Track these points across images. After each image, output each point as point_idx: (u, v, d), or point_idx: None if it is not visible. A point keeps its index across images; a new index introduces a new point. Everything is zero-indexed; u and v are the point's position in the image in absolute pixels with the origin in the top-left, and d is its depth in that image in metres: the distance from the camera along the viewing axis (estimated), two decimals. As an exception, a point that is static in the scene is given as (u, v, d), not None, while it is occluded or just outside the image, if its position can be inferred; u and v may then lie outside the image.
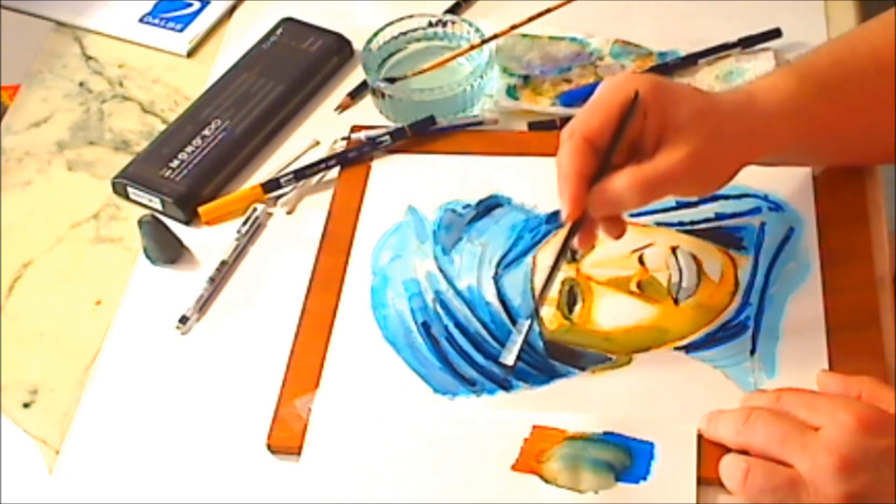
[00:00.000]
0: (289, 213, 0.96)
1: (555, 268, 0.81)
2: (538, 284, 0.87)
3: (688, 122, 0.78)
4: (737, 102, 0.81)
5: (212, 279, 0.90)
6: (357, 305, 0.87)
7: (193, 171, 0.97)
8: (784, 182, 0.91)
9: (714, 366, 0.81)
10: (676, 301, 0.85)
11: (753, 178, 0.90)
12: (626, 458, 0.77)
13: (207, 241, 0.94)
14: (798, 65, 0.84)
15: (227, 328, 0.88)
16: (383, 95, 1.00)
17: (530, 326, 0.80)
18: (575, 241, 0.80)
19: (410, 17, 1.04)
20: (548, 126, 0.98)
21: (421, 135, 0.98)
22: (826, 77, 0.83)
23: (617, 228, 0.81)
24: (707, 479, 0.75)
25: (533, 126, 0.98)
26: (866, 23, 0.89)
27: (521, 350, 0.79)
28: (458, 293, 0.87)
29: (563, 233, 0.81)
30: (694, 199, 0.90)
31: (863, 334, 0.82)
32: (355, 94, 1.04)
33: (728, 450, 0.75)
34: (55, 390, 0.86)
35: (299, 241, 0.93)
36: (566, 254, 0.81)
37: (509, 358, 0.79)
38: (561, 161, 0.79)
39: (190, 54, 1.11)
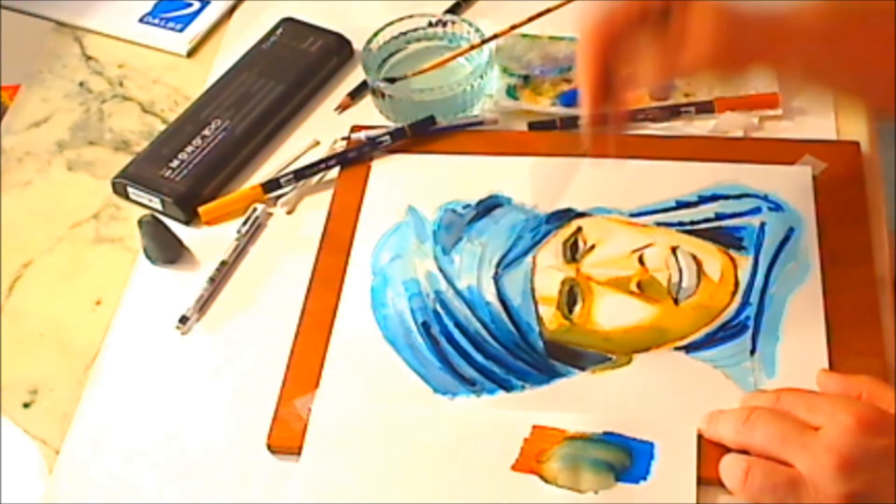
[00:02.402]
0: (289, 213, 0.96)
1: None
2: (538, 284, 0.87)
3: (711, 9, 0.76)
4: (765, 8, 0.79)
5: (212, 279, 0.90)
6: (357, 305, 0.87)
7: (193, 171, 0.97)
8: (784, 182, 0.91)
9: (714, 366, 0.81)
10: (676, 301, 0.85)
11: (753, 178, 0.90)
12: (626, 458, 0.77)
13: (207, 241, 0.94)
14: None
15: (227, 328, 0.88)
16: (383, 95, 1.00)
17: None
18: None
19: (410, 17, 1.04)
20: (548, 126, 0.98)
21: (421, 135, 0.98)
22: (859, 14, 0.80)
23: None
24: (707, 479, 0.75)
25: (533, 126, 0.98)
26: None
27: None
28: (458, 293, 0.87)
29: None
30: (694, 198, 0.90)
31: (863, 334, 0.82)
32: (355, 94, 1.04)
33: (728, 450, 0.75)
34: (55, 390, 0.86)
35: (299, 241, 0.93)
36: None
37: None
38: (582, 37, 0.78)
39: (190, 54, 1.11)
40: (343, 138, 0.99)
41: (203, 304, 0.89)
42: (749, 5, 0.79)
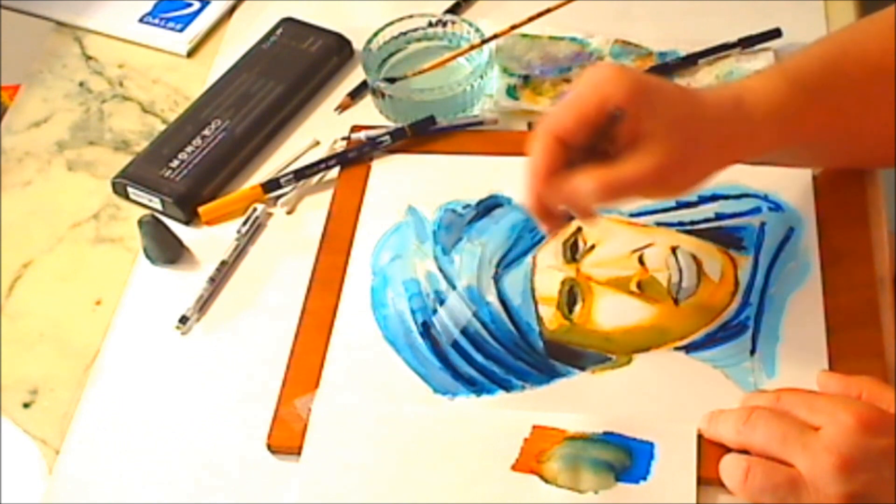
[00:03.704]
0: (289, 213, 0.96)
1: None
2: (538, 284, 0.87)
3: (663, 129, 0.76)
4: (721, 106, 0.79)
5: (212, 279, 0.90)
6: (357, 305, 0.87)
7: (193, 171, 0.97)
8: (784, 182, 0.91)
9: (714, 366, 0.81)
10: (676, 301, 0.85)
11: (753, 178, 0.90)
12: (626, 458, 0.77)
13: (207, 241, 0.94)
14: (788, 67, 0.83)
15: (227, 328, 0.88)
16: (383, 95, 1.00)
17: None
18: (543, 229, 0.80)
19: (410, 17, 1.04)
20: (548, 126, 0.98)
21: (421, 135, 0.98)
22: (816, 82, 0.82)
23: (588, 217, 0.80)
24: (707, 479, 0.75)
25: (533, 126, 0.98)
26: (859, 23, 0.89)
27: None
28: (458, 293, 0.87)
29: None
30: (694, 198, 0.90)
31: (863, 334, 0.82)
32: (355, 94, 1.04)
33: (728, 450, 0.75)
34: (55, 390, 0.86)
35: (299, 241, 0.93)
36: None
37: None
38: (531, 155, 0.78)
39: (190, 54, 1.11)
40: (343, 138, 0.99)
41: (203, 304, 0.89)
42: (705, 100, 0.79)
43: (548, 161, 0.77)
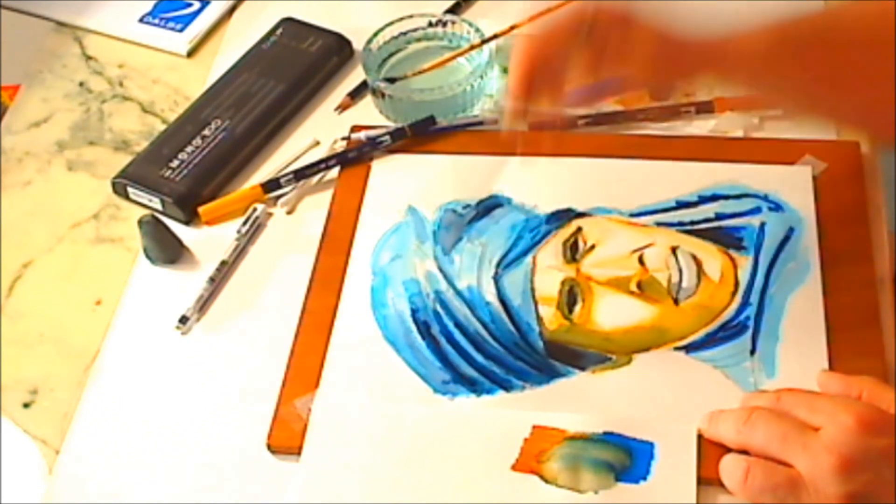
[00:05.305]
0: (289, 213, 0.96)
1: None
2: (538, 284, 0.87)
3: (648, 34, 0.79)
4: (706, 44, 0.80)
5: (212, 279, 0.90)
6: (357, 305, 0.87)
7: (193, 171, 0.97)
8: (784, 182, 0.91)
9: (714, 366, 0.81)
10: (676, 301, 0.85)
11: (753, 178, 0.90)
12: (626, 458, 0.77)
13: (207, 241, 0.94)
14: (780, 24, 0.82)
15: (227, 328, 0.88)
16: (383, 95, 1.00)
17: None
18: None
19: (410, 17, 1.04)
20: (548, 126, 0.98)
21: (421, 135, 0.98)
22: (804, 41, 0.81)
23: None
24: (707, 479, 0.75)
25: (533, 126, 0.98)
26: None
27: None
28: (458, 293, 0.87)
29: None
30: (694, 198, 0.90)
31: (863, 334, 0.82)
32: (355, 94, 1.04)
33: (728, 450, 0.75)
34: (55, 390, 0.86)
35: (299, 241, 0.93)
36: None
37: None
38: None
39: (190, 54, 1.11)
40: (343, 138, 0.99)
41: (203, 304, 0.89)
42: (686, 29, 0.80)
43: (539, 36, 0.80)
